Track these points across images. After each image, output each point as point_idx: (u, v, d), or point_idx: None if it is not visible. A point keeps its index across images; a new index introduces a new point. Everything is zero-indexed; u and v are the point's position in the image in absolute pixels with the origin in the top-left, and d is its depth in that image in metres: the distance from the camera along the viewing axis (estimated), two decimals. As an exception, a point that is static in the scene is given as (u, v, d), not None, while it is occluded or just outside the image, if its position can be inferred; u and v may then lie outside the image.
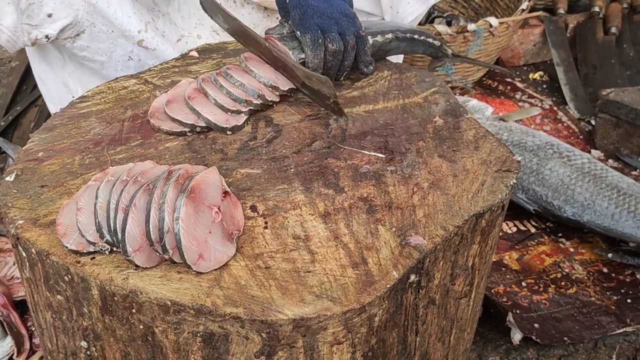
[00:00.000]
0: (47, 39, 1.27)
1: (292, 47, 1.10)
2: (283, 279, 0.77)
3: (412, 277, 0.81)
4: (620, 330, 1.30)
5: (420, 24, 2.00)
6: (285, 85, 1.07)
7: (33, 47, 1.37)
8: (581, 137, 1.90)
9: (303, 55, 1.09)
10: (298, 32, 1.09)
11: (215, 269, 0.78)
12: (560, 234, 1.54)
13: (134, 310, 0.77)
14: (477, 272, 0.95)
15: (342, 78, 1.14)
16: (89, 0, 1.26)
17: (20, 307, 1.25)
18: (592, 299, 1.37)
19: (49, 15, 1.24)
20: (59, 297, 0.82)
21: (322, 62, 1.08)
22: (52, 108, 1.49)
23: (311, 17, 1.08)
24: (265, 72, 1.07)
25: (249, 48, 1.10)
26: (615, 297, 1.38)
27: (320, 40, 1.07)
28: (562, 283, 1.41)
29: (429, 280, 0.85)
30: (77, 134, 1.01)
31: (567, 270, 1.44)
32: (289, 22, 1.12)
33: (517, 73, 2.20)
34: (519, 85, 2.14)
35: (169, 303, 0.74)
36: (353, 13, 1.12)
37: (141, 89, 1.12)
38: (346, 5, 1.13)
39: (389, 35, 1.22)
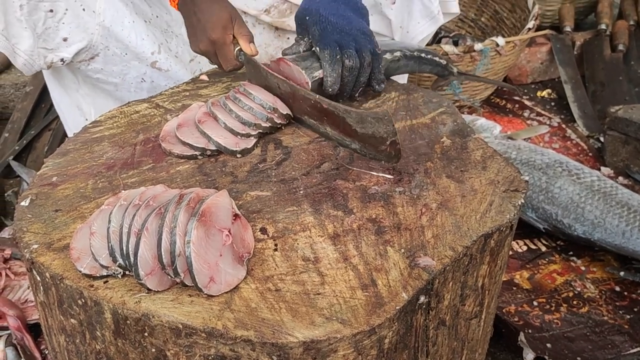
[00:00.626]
0: (62, 62, 1.30)
1: (305, 66, 1.12)
2: (293, 301, 0.77)
3: (422, 299, 0.81)
4: (634, 350, 1.29)
5: (427, 44, 2.02)
6: (284, 109, 1.08)
7: (49, 71, 1.40)
8: (590, 154, 1.89)
9: (316, 74, 1.11)
10: (317, 48, 1.12)
11: (226, 292, 0.78)
12: (571, 253, 1.53)
13: (146, 334, 0.77)
14: (487, 292, 0.95)
15: (357, 95, 1.16)
16: (103, 24, 1.29)
17: (34, 330, 1.27)
18: (605, 318, 1.36)
19: (65, 39, 1.27)
20: (72, 320, 0.83)
21: (339, 78, 1.11)
22: (69, 131, 1.52)
23: (330, 34, 1.11)
24: (264, 96, 1.09)
25: (295, 107, 1.08)
26: (628, 316, 1.36)
27: (338, 57, 1.10)
28: (574, 302, 1.40)
29: (439, 301, 0.85)
30: (90, 159, 1.02)
31: (578, 289, 1.43)
32: (305, 39, 1.16)
33: (525, 91, 2.21)
34: (527, 103, 2.14)
35: (181, 326, 0.75)
36: (370, 31, 1.15)
37: (152, 113, 1.14)
38: (364, 23, 1.16)
39: (398, 54, 1.26)
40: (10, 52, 1.26)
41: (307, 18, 1.15)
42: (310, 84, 1.10)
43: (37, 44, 1.26)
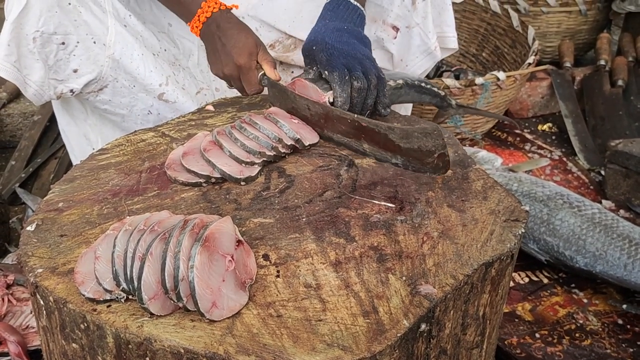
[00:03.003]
0: (71, 93, 1.33)
1: (320, 86, 1.16)
2: (294, 327, 0.78)
3: (423, 326, 0.82)
4: (638, 384, 1.28)
5: (429, 77, 2.06)
6: (289, 140, 1.10)
7: (58, 101, 1.42)
8: (591, 187, 1.90)
9: (327, 95, 1.14)
10: (325, 72, 1.16)
11: (228, 317, 0.79)
12: (573, 285, 1.53)
13: (147, 358, 0.77)
14: (488, 322, 0.95)
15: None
16: (113, 56, 1.32)
17: (35, 357, 1.26)
18: (608, 351, 1.35)
19: (75, 71, 1.30)
20: (74, 345, 0.83)
21: (349, 98, 1.14)
22: (74, 160, 1.54)
23: (337, 58, 1.15)
24: (269, 126, 1.11)
25: (328, 126, 1.11)
26: (631, 350, 1.35)
27: (347, 77, 1.14)
28: (577, 334, 1.39)
29: (440, 329, 0.85)
30: (96, 185, 1.04)
31: (581, 322, 1.42)
32: (314, 69, 1.20)
33: (526, 124, 2.23)
34: (528, 136, 2.16)
35: (182, 351, 0.75)
36: (373, 58, 1.19)
37: (158, 142, 1.16)
38: (367, 50, 1.21)
39: (400, 81, 1.32)
40: (22, 82, 1.29)
41: (314, 48, 1.19)
42: (327, 100, 1.14)
43: (48, 75, 1.29)
